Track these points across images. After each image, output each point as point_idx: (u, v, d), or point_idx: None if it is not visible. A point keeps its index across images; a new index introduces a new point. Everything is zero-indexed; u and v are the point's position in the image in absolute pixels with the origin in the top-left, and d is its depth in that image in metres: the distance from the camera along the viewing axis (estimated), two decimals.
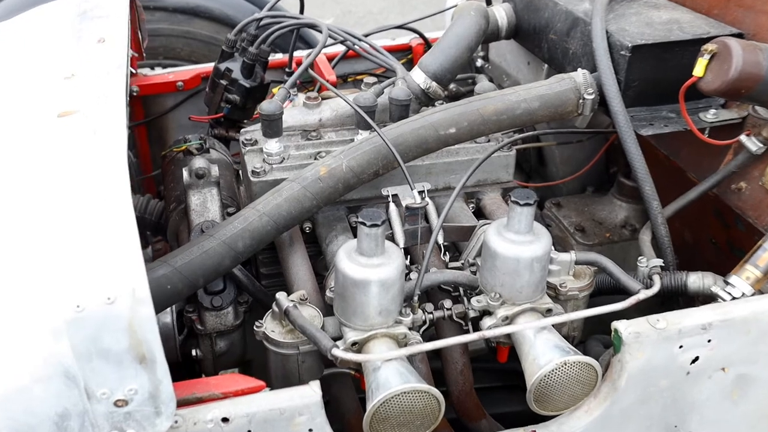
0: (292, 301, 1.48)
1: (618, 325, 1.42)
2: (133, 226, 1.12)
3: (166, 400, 1.18)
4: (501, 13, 2.13)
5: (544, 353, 1.35)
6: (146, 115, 2.55)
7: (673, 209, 1.74)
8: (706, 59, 1.49)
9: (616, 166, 2.42)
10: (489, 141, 1.88)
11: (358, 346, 1.38)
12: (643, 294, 1.45)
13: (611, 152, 2.36)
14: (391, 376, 1.28)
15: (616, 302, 1.45)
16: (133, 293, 1.10)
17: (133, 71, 2.41)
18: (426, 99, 1.89)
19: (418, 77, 1.87)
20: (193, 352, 1.82)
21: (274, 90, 2.10)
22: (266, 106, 1.68)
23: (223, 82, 2.15)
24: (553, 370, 1.31)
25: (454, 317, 1.51)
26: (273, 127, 1.70)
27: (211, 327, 1.77)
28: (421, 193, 1.65)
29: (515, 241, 1.41)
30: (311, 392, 1.29)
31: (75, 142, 1.24)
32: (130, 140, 2.66)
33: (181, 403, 1.28)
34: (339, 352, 1.31)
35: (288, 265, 1.65)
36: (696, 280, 1.65)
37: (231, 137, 2.23)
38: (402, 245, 1.56)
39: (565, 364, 1.32)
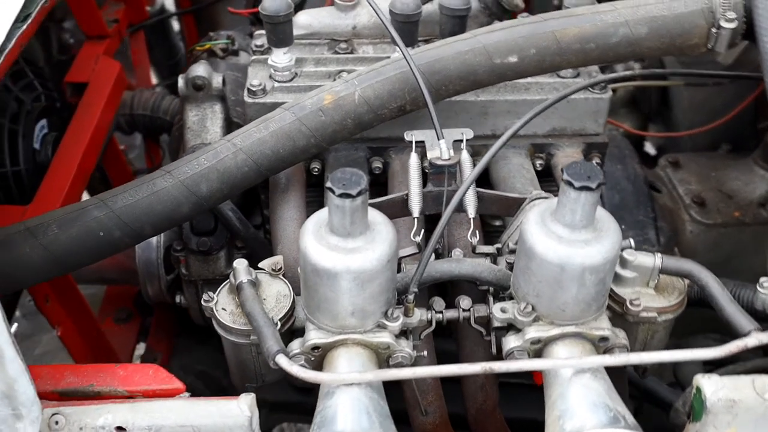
0: (260, 270, 1.12)
1: (703, 382, 0.94)
2: None
3: (26, 403, 0.88)
4: None
5: (575, 412, 0.91)
6: (194, 2, 2.20)
7: None
8: None
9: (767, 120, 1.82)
10: (578, 75, 1.37)
11: (321, 351, 1.01)
12: (755, 339, 0.96)
13: (762, 101, 1.75)
14: (343, 411, 0.91)
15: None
16: None
17: None
18: (500, 11, 1.40)
19: None
20: (177, 299, 1.54)
21: None
22: (269, 4, 1.26)
23: None
24: None
25: (473, 323, 1.09)
26: (278, 32, 1.29)
27: (197, 274, 1.47)
28: (458, 143, 1.21)
29: (563, 238, 0.95)
30: (237, 411, 0.94)
31: None
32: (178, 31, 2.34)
33: (74, 395, 0.99)
34: (284, 361, 0.94)
35: (275, 217, 1.28)
36: None
37: None
38: (416, 213, 1.14)
39: None
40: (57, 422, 0.94)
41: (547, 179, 1.37)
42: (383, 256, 0.95)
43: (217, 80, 1.46)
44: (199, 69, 1.45)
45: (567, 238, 0.95)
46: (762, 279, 1.07)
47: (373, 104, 1.18)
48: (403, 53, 1.14)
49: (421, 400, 1.20)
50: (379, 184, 1.36)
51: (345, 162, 1.34)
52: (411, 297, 1.02)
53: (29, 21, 0.96)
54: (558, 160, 1.36)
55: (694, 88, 1.79)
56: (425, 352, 1.11)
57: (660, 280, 1.10)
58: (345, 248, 0.94)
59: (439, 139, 1.13)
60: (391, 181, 1.33)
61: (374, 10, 1.22)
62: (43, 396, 0.97)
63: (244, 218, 1.43)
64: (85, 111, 1.62)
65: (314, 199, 1.35)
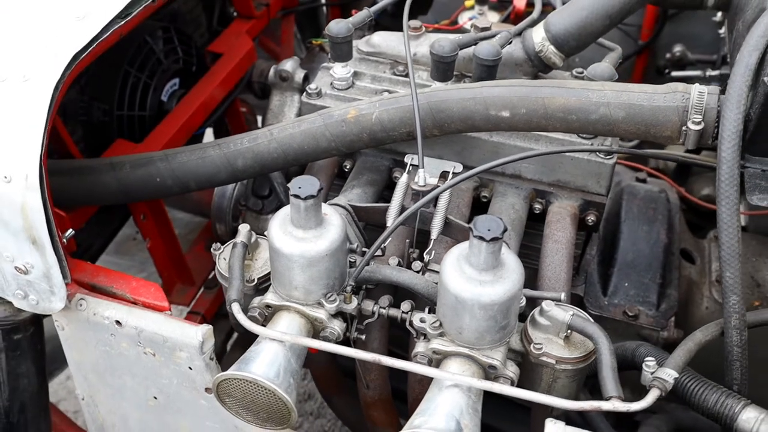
0: (263, 236, 1.42)
1: (549, 425, 1.09)
2: (40, 125, 1.15)
3: (58, 284, 1.26)
4: None
5: (430, 413, 1.11)
6: None
7: None
8: None
9: None
10: (594, 136, 1.49)
11: (271, 311, 1.29)
12: (610, 405, 1.09)
13: None
14: (258, 356, 1.18)
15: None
16: (26, 179, 1.15)
17: None
18: (540, 64, 1.53)
19: (537, 36, 1.52)
20: None
21: None
22: (333, 27, 1.52)
23: None
24: None
25: (407, 324, 1.30)
26: (337, 49, 1.55)
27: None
28: (444, 174, 1.41)
29: (465, 274, 1.13)
30: (192, 334, 1.25)
31: None
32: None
33: (99, 290, 1.35)
34: (236, 308, 1.23)
35: None
36: (751, 419, 1.18)
37: None
38: (389, 223, 1.36)
39: None
40: (81, 305, 1.32)
41: (540, 223, 1.51)
42: (323, 250, 1.19)
43: (299, 75, 1.75)
44: (287, 64, 1.76)
45: (468, 275, 1.13)
46: (647, 359, 1.16)
47: (386, 126, 1.40)
48: (412, 91, 1.35)
49: (364, 375, 1.44)
50: None
51: (370, 166, 1.58)
52: (348, 289, 1.26)
53: (128, 18, 1.30)
54: (553, 208, 1.50)
55: None
56: (363, 336, 1.34)
57: (574, 335, 1.23)
58: (296, 237, 1.20)
59: (419, 168, 1.34)
60: None
61: (406, 49, 1.44)
62: (80, 284, 1.35)
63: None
64: (209, 78, 1.99)
65: (339, 188, 1.61)
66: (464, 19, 2.29)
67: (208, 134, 2.42)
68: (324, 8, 2.61)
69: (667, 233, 1.72)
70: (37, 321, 1.44)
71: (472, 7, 2.30)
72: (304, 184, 1.17)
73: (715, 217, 2.13)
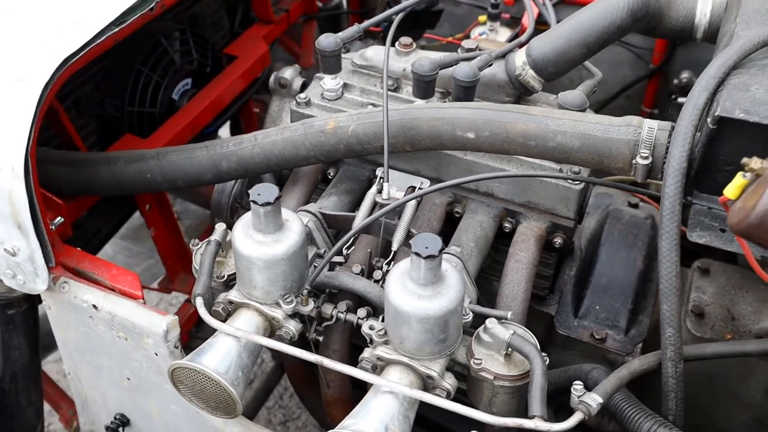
0: None
1: None
2: (28, 121, 1.25)
3: (41, 267, 1.37)
4: (707, 7, 1.57)
5: (361, 416, 1.17)
6: (362, 5, 2.58)
7: (716, 351, 1.24)
8: (746, 179, 0.95)
9: None
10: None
11: (233, 307, 1.37)
12: (532, 423, 1.13)
13: None
14: (211, 349, 1.26)
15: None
16: (12, 169, 1.26)
17: None
18: (521, 87, 1.57)
19: (519, 59, 1.55)
20: None
21: None
22: (323, 41, 1.59)
23: None
24: None
25: (362, 330, 1.37)
26: (326, 62, 1.62)
27: None
28: (410, 189, 1.46)
29: (406, 287, 1.19)
30: (158, 323, 1.35)
31: None
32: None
33: (82, 275, 1.46)
34: (199, 302, 1.32)
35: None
36: None
37: None
38: (353, 232, 1.43)
39: None
40: (64, 287, 1.43)
41: (508, 242, 1.55)
42: (279, 254, 1.27)
43: (296, 83, 1.83)
44: (287, 72, 1.84)
45: (408, 289, 1.19)
46: (575, 383, 1.19)
47: (361, 139, 1.47)
48: (384, 107, 1.41)
49: (324, 374, 1.51)
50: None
51: (351, 175, 1.65)
52: (305, 292, 1.33)
53: (123, 25, 1.40)
54: (521, 228, 1.54)
55: None
56: (321, 338, 1.41)
57: (516, 354, 1.28)
58: (255, 240, 1.28)
59: (384, 182, 1.40)
60: None
61: (384, 67, 1.50)
62: (67, 268, 1.46)
63: None
64: (220, 79, 2.09)
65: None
66: (476, 34, 2.34)
67: (225, 132, 2.54)
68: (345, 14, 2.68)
69: (644, 260, 1.73)
70: (30, 299, 1.56)
71: (484, 23, 2.35)
72: (263, 192, 1.24)
73: (705, 247, 2.12)
